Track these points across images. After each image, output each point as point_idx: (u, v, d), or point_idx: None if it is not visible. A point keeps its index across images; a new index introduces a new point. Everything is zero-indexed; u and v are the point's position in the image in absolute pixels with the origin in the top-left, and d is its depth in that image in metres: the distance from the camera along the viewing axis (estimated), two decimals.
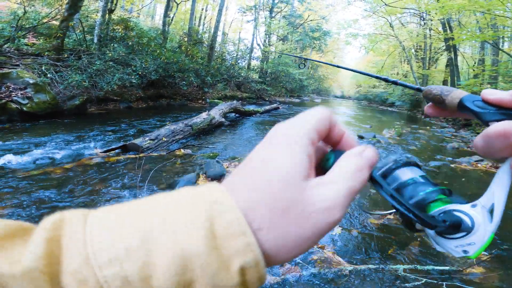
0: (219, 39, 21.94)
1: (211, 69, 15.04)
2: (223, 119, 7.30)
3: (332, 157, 0.29)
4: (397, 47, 20.01)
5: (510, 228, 2.74)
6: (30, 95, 6.06)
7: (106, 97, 8.45)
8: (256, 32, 25.23)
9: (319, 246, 2.30)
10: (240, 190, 0.23)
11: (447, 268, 2.12)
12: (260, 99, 18.53)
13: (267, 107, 11.90)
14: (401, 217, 0.32)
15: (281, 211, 0.22)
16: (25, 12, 7.60)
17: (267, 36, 25.64)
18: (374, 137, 7.49)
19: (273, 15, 25.82)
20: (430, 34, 18.42)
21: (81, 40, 8.93)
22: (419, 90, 0.45)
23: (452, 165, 5.12)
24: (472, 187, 4.21)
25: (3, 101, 5.65)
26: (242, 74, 19.04)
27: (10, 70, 6.27)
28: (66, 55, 8.01)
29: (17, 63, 6.85)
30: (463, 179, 4.50)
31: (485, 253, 2.31)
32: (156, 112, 9.17)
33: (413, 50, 21.79)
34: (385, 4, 15.97)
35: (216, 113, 7.12)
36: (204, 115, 6.53)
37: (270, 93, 20.60)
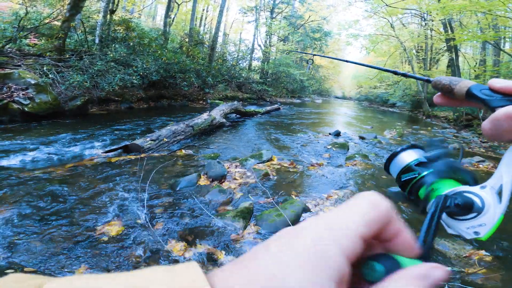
0: (220, 39, 21.98)
1: (212, 69, 15.06)
2: (224, 120, 7.30)
3: (380, 269, 0.23)
4: (398, 47, 19.99)
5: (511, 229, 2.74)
6: (31, 95, 6.07)
7: (107, 97, 8.47)
8: (257, 32, 25.26)
9: None
10: None
11: (448, 268, 2.11)
12: (261, 100, 18.54)
13: (268, 108, 11.91)
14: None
15: None
16: (27, 13, 7.63)
17: (268, 36, 25.65)
18: (376, 137, 7.48)
19: (274, 15, 25.84)
20: (431, 35, 18.41)
21: (83, 40, 8.95)
22: (428, 81, 0.47)
23: None
24: None
25: (5, 101, 5.66)
26: (243, 75, 19.07)
27: (12, 71, 6.29)
28: (67, 56, 8.03)
29: (19, 63, 6.87)
30: None
31: (487, 254, 2.30)
32: (157, 112, 9.19)
33: (414, 51, 21.77)
34: (386, 5, 15.97)
35: (217, 113, 7.13)
36: (205, 115, 6.53)
37: (271, 94, 20.61)
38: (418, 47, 21.57)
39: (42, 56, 7.58)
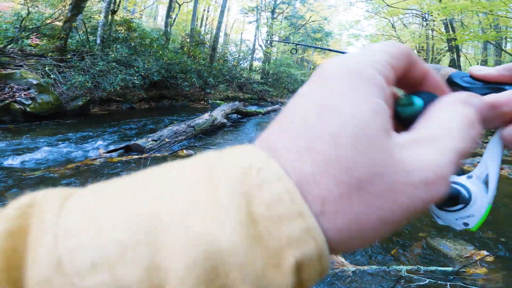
0: (221, 40, 21.99)
1: (213, 70, 15.07)
2: (225, 120, 7.31)
3: (417, 101, 0.21)
4: None
5: None
6: (33, 95, 6.09)
7: (108, 98, 8.49)
8: (258, 33, 25.29)
9: None
10: (288, 152, 0.16)
11: (450, 269, 2.11)
12: (262, 100, 18.54)
13: (269, 108, 11.90)
14: None
15: (357, 184, 0.15)
16: (28, 13, 7.65)
17: (269, 37, 25.67)
18: None
19: (275, 16, 25.85)
20: (432, 35, 18.38)
21: (84, 41, 8.98)
22: None
23: None
24: None
25: (7, 101, 5.68)
26: (244, 75, 19.08)
27: (13, 71, 6.31)
28: (69, 56, 8.05)
29: (21, 63, 6.89)
30: None
31: (489, 253, 2.30)
32: (159, 113, 9.20)
33: (415, 51, 21.75)
34: (387, 5, 15.96)
35: (218, 114, 7.13)
36: (206, 116, 6.54)
37: (272, 94, 20.61)
38: (419, 47, 21.55)
39: (43, 56, 7.61)
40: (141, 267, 0.13)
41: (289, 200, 0.14)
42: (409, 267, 2.09)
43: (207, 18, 27.36)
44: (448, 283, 1.94)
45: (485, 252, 2.31)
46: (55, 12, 9.08)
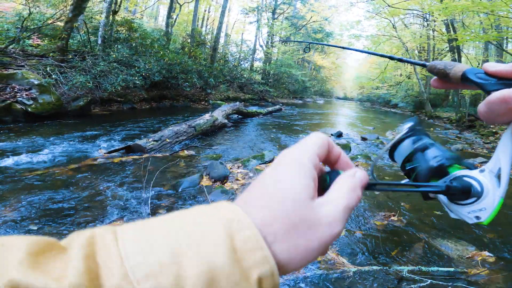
0: (222, 40, 22.00)
1: (214, 70, 15.08)
2: (226, 121, 7.31)
3: (328, 178, 0.32)
4: (400, 48, 19.94)
5: None
6: (34, 96, 6.10)
7: (109, 98, 8.51)
8: (259, 33, 25.31)
9: None
10: (255, 208, 0.26)
11: (452, 269, 2.11)
12: (263, 101, 18.55)
13: (270, 109, 11.91)
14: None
15: (293, 227, 0.26)
16: (30, 13, 7.67)
17: (270, 37, 25.68)
18: (378, 138, 7.47)
19: (275, 16, 25.87)
20: (433, 35, 18.36)
21: (85, 41, 8.99)
22: (423, 65, 0.48)
23: None
24: None
25: (8, 101, 5.70)
26: (245, 76, 19.09)
27: (15, 71, 6.32)
28: (70, 56, 8.06)
29: (22, 64, 6.90)
30: None
31: (490, 254, 2.29)
32: (159, 113, 9.21)
33: (416, 52, 21.73)
34: (388, 5, 15.95)
35: (219, 114, 7.14)
36: (207, 116, 6.54)
37: (272, 95, 20.62)
38: (420, 47, 21.53)
39: (45, 56, 7.62)
40: (172, 276, 0.21)
41: (255, 239, 0.24)
42: (410, 268, 2.09)
43: (208, 19, 27.39)
44: (449, 284, 1.93)
45: (486, 253, 2.31)
46: (56, 13, 9.10)
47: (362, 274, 2.02)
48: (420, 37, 19.71)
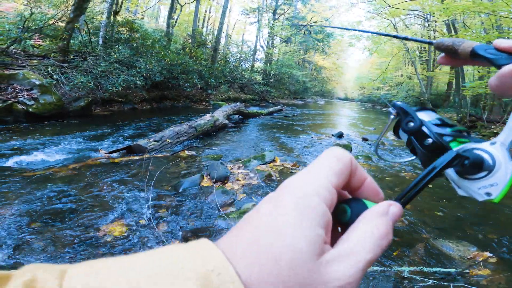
0: (222, 41, 22.02)
1: (215, 71, 15.10)
2: (226, 121, 7.31)
3: (349, 210, 0.26)
4: (401, 48, 19.93)
5: None
6: (36, 96, 6.12)
7: (110, 98, 8.52)
8: (260, 34, 25.32)
9: None
10: (242, 259, 0.20)
11: (453, 270, 2.10)
12: (263, 101, 18.56)
13: (271, 109, 11.91)
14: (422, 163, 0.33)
15: None
16: (31, 14, 7.68)
17: (270, 37, 25.69)
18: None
19: (276, 17, 25.88)
20: (434, 36, 18.34)
21: (87, 41, 9.01)
22: (430, 43, 0.48)
23: None
24: None
25: (10, 102, 5.71)
26: (246, 76, 19.10)
27: (16, 71, 6.34)
28: (71, 57, 8.08)
29: (24, 64, 6.92)
30: None
31: (492, 255, 2.29)
32: (160, 113, 9.22)
33: (417, 52, 21.71)
34: (389, 6, 15.95)
35: (219, 115, 7.14)
36: (207, 116, 6.54)
37: (273, 95, 20.63)
38: (421, 48, 21.51)
39: (46, 57, 7.64)
40: None
41: None
42: (412, 268, 2.08)
43: (208, 19, 27.42)
44: (451, 284, 1.93)
45: (488, 254, 2.30)
46: (57, 13, 9.12)
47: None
48: (421, 37, 19.69)
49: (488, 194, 0.29)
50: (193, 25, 17.29)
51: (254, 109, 11.12)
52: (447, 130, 0.33)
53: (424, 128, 0.34)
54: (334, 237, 0.25)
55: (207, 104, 13.24)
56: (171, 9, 14.84)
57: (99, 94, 7.81)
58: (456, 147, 0.32)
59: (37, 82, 6.31)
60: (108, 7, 9.76)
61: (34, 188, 2.96)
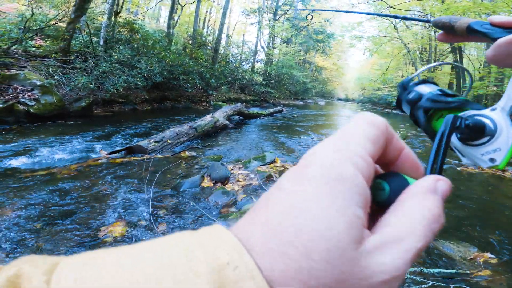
0: (223, 41, 22.04)
1: (215, 71, 15.11)
2: (227, 122, 7.32)
3: (387, 187, 0.23)
4: (401, 49, 19.95)
5: None
6: (37, 96, 6.13)
7: (111, 99, 8.53)
8: (260, 34, 25.33)
9: None
10: (262, 249, 0.17)
11: (454, 271, 2.10)
12: (264, 102, 18.57)
13: (271, 110, 11.91)
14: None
15: None
16: (32, 14, 7.70)
17: (271, 38, 25.71)
18: None
19: (276, 17, 25.90)
20: (435, 36, 18.34)
21: (88, 42, 9.03)
22: (428, 21, 0.49)
23: (458, 168, 5.08)
24: (479, 190, 4.17)
25: (11, 102, 5.72)
26: (246, 77, 19.11)
27: (17, 72, 6.35)
28: (72, 57, 8.10)
29: (25, 64, 6.93)
30: (470, 182, 4.46)
31: (493, 256, 2.28)
32: (161, 114, 9.23)
33: (418, 53, 21.72)
34: (390, 7, 15.96)
35: (220, 115, 7.14)
36: (208, 117, 6.55)
37: (274, 96, 20.64)
38: (421, 48, 21.52)
39: (47, 57, 7.65)
40: None
41: None
42: (412, 269, 2.08)
43: (209, 20, 27.45)
44: (451, 286, 1.93)
45: (488, 254, 2.30)
46: (59, 14, 9.15)
47: None
48: (422, 38, 19.71)
49: (492, 160, 0.29)
50: (193, 25, 17.31)
51: (255, 110, 11.12)
52: (448, 100, 0.34)
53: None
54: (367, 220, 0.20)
55: (207, 104, 13.25)
56: (172, 10, 14.86)
57: (99, 94, 7.82)
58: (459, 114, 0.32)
59: (38, 83, 6.32)
60: (109, 7, 9.78)
61: (35, 188, 2.97)
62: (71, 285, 0.15)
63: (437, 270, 2.10)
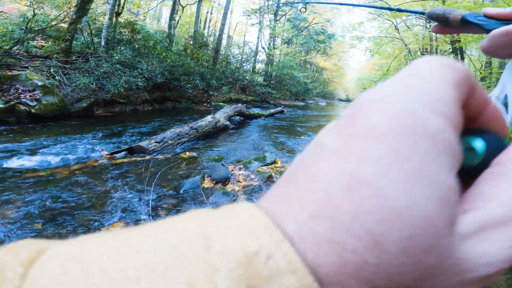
0: (224, 42, 22.07)
1: (216, 72, 15.12)
2: (228, 122, 7.32)
3: (481, 147, 0.16)
4: (402, 50, 19.92)
5: None
6: (38, 97, 6.15)
7: (112, 99, 8.54)
8: (261, 35, 25.33)
9: None
10: (306, 235, 0.12)
11: None
12: (265, 102, 18.57)
13: (272, 111, 11.91)
14: None
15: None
16: (34, 15, 7.73)
17: (272, 39, 25.72)
18: None
19: (277, 18, 25.91)
20: (436, 37, 18.32)
21: (89, 42, 9.05)
22: (422, 13, 0.50)
23: None
24: None
25: (12, 103, 5.74)
26: (247, 77, 19.12)
27: (19, 72, 6.37)
28: (74, 58, 8.12)
29: (26, 65, 6.95)
30: None
31: None
32: (162, 114, 9.24)
33: (419, 53, 21.69)
34: (390, 7, 15.94)
35: (221, 116, 7.15)
36: (209, 118, 6.56)
37: (274, 96, 20.64)
38: (423, 49, 21.49)
39: (49, 58, 7.68)
40: None
41: None
42: None
43: (210, 20, 27.47)
44: None
45: None
46: (60, 14, 9.17)
47: None
48: (423, 38, 19.66)
49: None
50: (194, 26, 17.33)
51: (256, 111, 11.12)
52: None
53: None
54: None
55: (208, 105, 13.26)
56: (173, 11, 14.89)
57: (101, 95, 7.83)
58: None
59: (40, 83, 6.34)
60: (110, 8, 9.80)
61: (36, 188, 2.98)
62: (48, 285, 0.11)
63: None
